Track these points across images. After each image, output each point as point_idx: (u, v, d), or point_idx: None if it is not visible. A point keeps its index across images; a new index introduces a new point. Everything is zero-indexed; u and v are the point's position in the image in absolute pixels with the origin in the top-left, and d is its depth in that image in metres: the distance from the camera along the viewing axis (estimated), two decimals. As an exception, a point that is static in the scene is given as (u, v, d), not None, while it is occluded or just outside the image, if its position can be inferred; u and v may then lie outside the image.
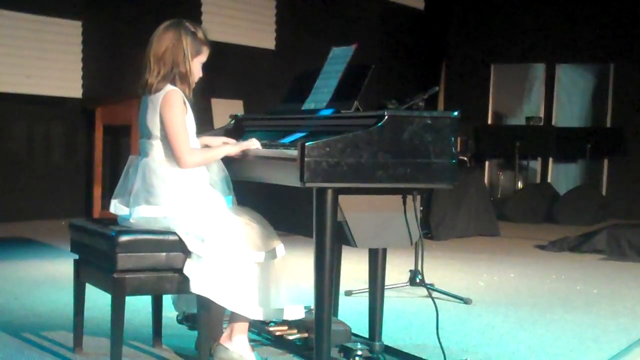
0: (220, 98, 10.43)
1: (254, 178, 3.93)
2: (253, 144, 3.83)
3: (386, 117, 3.44)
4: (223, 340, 3.79)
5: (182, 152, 3.68)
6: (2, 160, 8.92)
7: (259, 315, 3.68)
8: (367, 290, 4.01)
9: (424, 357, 3.90)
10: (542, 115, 13.09)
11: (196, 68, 3.82)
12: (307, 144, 3.32)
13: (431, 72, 13.61)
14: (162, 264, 3.61)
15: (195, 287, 3.57)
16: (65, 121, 9.51)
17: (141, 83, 3.78)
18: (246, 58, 10.93)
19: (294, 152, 3.40)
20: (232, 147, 3.85)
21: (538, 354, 4.29)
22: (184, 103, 3.74)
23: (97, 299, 4.24)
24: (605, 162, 12.77)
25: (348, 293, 5.54)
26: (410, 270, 5.74)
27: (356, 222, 3.57)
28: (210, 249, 3.57)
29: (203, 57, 3.85)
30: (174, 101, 3.70)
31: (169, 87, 3.73)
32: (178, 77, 3.76)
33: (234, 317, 3.76)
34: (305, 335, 4.05)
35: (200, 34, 3.82)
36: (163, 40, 3.77)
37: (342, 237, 3.61)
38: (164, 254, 3.61)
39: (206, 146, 3.96)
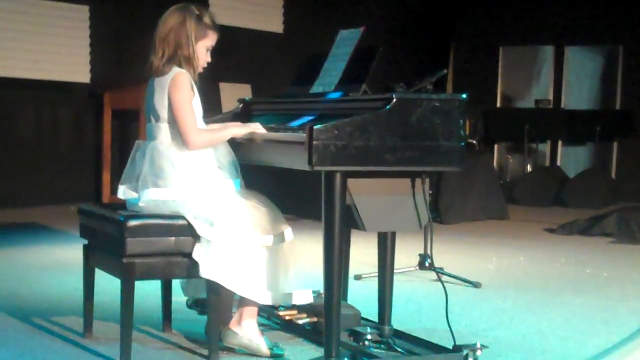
0: (228, 82, 10.42)
1: (262, 161, 3.92)
2: (258, 127, 3.83)
3: (394, 99, 3.42)
4: (232, 324, 3.79)
5: (190, 132, 3.68)
6: (11, 145, 8.93)
7: (267, 300, 3.68)
8: (377, 274, 4.01)
9: (433, 341, 3.89)
10: (551, 97, 13.05)
11: (201, 52, 3.81)
12: (315, 127, 3.30)
13: (439, 55, 13.57)
14: (171, 248, 3.61)
15: (205, 272, 3.57)
16: (73, 106, 9.52)
17: (148, 65, 3.79)
18: (254, 42, 10.90)
19: (302, 135, 3.38)
20: (239, 129, 3.84)
21: (548, 337, 4.29)
22: (192, 86, 3.74)
23: (107, 284, 4.24)
24: (615, 144, 12.73)
25: (357, 277, 5.54)
26: (420, 254, 5.73)
27: (365, 206, 3.56)
28: (219, 233, 3.56)
29: (209, 42, 3.84)
30: (182, 83, 3.70)
31: (176, 70, 3.73)
32: (183, 59, 3.75)
33: (243, 302, 3.76)
34: (315, 319, 4.05)
35: (206, 18, 3.81)
36: (168, 22, 3.78)
37: (351, 220, 3.60)
38: (173, 238, 3.61)
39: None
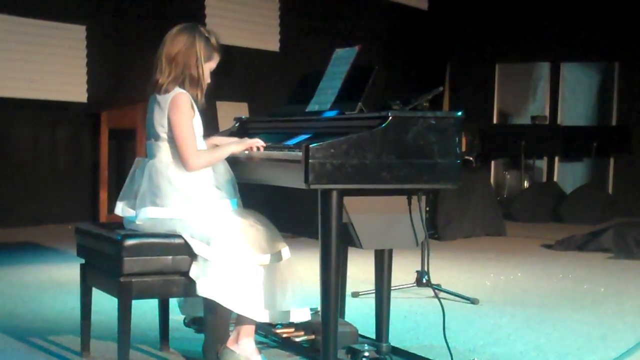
0: (225, 101, 10.44)
1: (259, 180, 3.93)
2: (257, 142, 3.84)
3: (390, 118, 3.44)
4: (230, 343, 3.79)
5: (189, 155, 3.69)
6: (8, 165, 8.93)
7: (265, 318, 3.68)
8: (374, 291, 4.01)
9: (431, 358, 3.90)
10: (547, 114, 13.07)
11: (207, 73, 3.83)
12: (311, 145, 3.32)
13: (435, 72, 13.61)
14: (169, 267, 3.62)
15: (202, 290, 3.57)
16: (70, 125, 9.53)
17: (151, 82, 3.80)
18: (251, 60, 10.93)
19: (298, 154, 3.40)
20: (237, 146, 3.85)
21: (545, 353, 4.29)
22: (192, 106, 3.75)
23: (104, 303, 4.25)
24: (611, 160, 12.76)
25: (355, 294, 5.54)
26: (417, 271, 5.74)
27: (361, 224, 3.57)
28: (216, 251, 3.57)
29: (213, 64, 3.87)
30: (182, 104, 3.71)
31: (177, 90, 3.74)
32: (189, 80, 3.77)
33: (240, 320, 3.76)
34: (312, 337, 4.05)
35: (213, 40, 3.84)
36: (176, 42, 3.78)
37: (348, 238, 3.61)
38: (170, 257, 3.61)
39: (216, 146, 3.96)
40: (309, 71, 4.38)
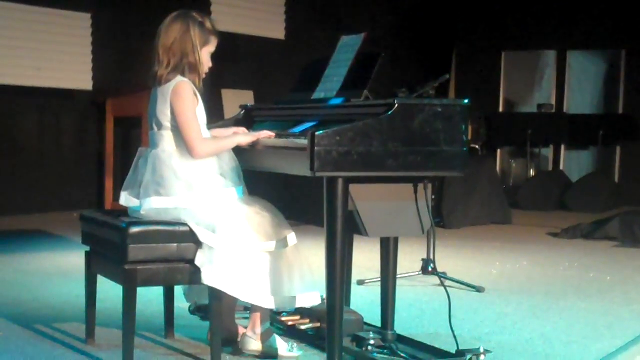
0: (230, 89, 10.42)
1: (264, 168, 3.92)
2: (265, 134, 3.83)
3: (396, 105, 3.43)
4: (248, 330, 3.80)
5: (195, 142, 3.68)
6: (14, 153, 8.94)
7: (271, 304, 3.68)
8: (379, 279, 4.00)
9: (436, 346, 3.89)
10: (553, 102, 13.04)
11: (205, 58, 3.82)
12: (317, 133, 3.31)
13: (442, 60, 13.57)
14: (174, 255, 3.61)
15: (207, 278, 3.57)
16: (76, 113, 9.53)
17: (151, 74, 3.79)
18: (256, 48, 10.91)
19: (304, 142, 3.39)
20: (245, 137, 3.84)
21: (551, 341, 4.28)
22: (195, 94, 3.74)
23: (109, 291, 4.24)
24: (618, 148, 12.72)
25: (360, 282, 5.54)
26: (423, 259, 5.72)
27: (367, 211, 3.56)
28: (222, 239, 3.56)
29: (212, 47, 3.85)
30: (185, 92, 3.70)
31: (179, 79, 3.73)
32: (187, 67, 3.76)
33: (255, 307, 3.76)
34: (318, 324, 4.05)
35: (208, 24, 3.82)
36: (171, 31, 3.76)
37: (354, 226, 3.60)
38: (175, 245, 3.61)
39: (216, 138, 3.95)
40: (315, 59, 4.36)
